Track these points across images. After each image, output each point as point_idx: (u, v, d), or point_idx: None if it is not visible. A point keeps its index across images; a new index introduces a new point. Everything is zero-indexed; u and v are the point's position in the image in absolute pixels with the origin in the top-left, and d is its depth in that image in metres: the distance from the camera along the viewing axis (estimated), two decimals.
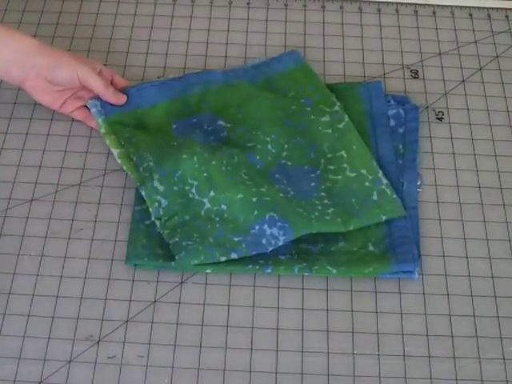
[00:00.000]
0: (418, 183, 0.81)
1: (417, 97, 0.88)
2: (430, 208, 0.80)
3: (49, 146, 0.83)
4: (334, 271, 0.74)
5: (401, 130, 0.83)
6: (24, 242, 0.76)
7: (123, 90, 0.84)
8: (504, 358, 0.71)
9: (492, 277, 0.76)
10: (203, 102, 0.85)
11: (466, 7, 0.97)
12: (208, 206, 0.76)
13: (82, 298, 0.73)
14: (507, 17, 0.96)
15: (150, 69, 0.90)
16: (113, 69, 0.86)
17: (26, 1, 0.96)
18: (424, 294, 0.74)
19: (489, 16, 0.96)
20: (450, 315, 0.73)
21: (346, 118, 0.82)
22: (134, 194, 0.79)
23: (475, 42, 0.93)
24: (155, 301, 0.73)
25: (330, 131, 0.82)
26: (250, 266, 0.74)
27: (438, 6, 0.97)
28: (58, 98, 0.82)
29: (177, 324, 0.72)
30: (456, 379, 0.70)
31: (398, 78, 0.89)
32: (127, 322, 0.72)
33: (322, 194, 0.78)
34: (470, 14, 0.96)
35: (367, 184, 0.78)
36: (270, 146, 0.81)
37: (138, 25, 0.94)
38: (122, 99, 0.83)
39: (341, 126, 0.82)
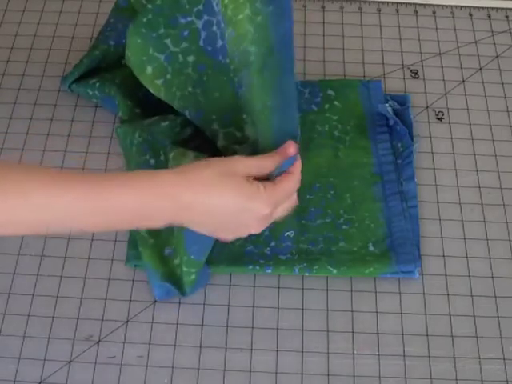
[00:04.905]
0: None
1: (417, 97, 0.87)
2: (430, 208, 0.79)
3: (49, 146, 0.83)
4: (335, 271, 0.74)
5: (398, 128, 0.83)
6: (24, 242, 0.76)
7: None
8: (504, 358, 0.71)
9: (492, 277, 0.76)
10: None
11: (465, 7, 0.97)
12: None
13: (82, 298, 0.73)
14: (507, 17, 0.96)
15: None
16: None
17: (26, 1, 0.96)
18: (424, 294, 0.74)
19: (489, 16, 0.96)
20: (450, 315, 0.73)
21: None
22: None
23: (475, 42, 0.93)
24: (155, 301, 0.73)
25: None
26: (251, 267, 0.74)
27: (438, 5, 0.97)
28: None
29: (177, 324, 0.72)
30: (456, 379, 0.70)
31: (397, 77, 0.89)
32: (127, 322, 0.72)
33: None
34: (470, 14, 0.96)
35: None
36: None
37: None
38: None
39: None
